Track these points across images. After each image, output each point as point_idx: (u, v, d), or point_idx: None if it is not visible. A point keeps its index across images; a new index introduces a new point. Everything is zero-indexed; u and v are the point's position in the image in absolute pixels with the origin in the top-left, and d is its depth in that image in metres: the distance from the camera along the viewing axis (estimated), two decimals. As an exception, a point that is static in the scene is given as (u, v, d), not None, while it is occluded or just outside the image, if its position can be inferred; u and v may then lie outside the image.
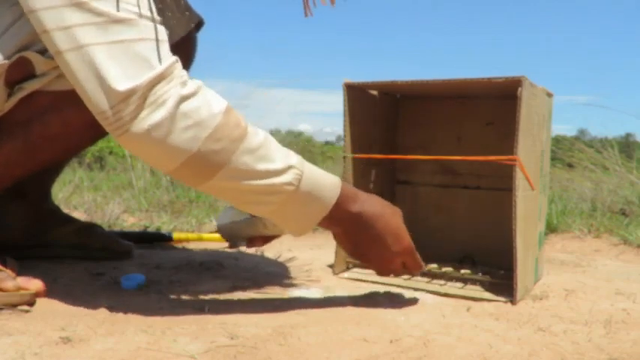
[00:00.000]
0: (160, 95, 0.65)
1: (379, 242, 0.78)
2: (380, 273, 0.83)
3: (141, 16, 0.67)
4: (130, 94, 0.64)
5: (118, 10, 0.65)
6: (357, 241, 0.78)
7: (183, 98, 0.66)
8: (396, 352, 0.63)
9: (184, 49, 0.84)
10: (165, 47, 0.69)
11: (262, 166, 0.69)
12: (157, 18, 0.69)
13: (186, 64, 0.88)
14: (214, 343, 0.63)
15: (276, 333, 0.67)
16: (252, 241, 0.86)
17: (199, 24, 0.87)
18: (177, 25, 0.81)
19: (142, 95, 0.65)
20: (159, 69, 0.66)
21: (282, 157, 0.71)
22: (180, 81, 0.67)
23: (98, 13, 0.65)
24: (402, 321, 0.74)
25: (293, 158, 0.72)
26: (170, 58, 0.68)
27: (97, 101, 0.65)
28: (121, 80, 0.64)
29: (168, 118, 0.65)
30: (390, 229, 0.78)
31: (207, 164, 0.68)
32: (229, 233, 0.87)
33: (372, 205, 0.77)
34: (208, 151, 0.67)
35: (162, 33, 0.69)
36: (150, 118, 0.65)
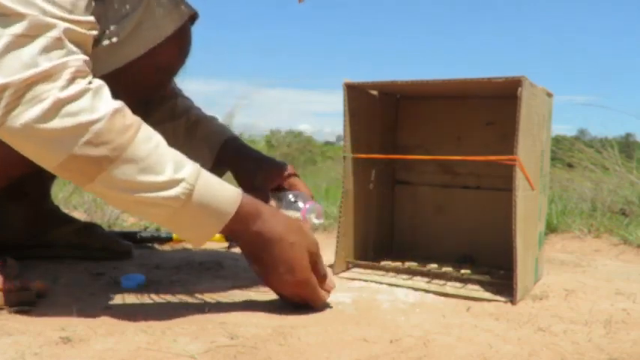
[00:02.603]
0: (39, 94, 0.65)
1: (273, 267, 0.75)
2: (279, 295, 0.79)
3: (46, 13, 0.66)
4: (1, 89, 0.64)
5: (19, 5, 0.65)
6: (255, 259, 0.76)
7: (63, 100, 0.65)
8: (396, 352, 0.63)
9: (177, 42, 0.84)
10: (63, 47, 0.67)
11: (145, 178, 0.67)
12: (76, 19, 0.68)
13: (181, 57, 0.88)
14: (214, 343, 0.63)
15: (276, 333, 0.67)
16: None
17: (193, 17, 0.87)
18: (169, 19, 0.81)
19: (15, 92, 0.64)
20: (42, 68, 0.65)
21: (172, 169, 0.68)
22: (62, 84, 0.66)
23: None
24: (402, 321, 0.74)
25: (185, 171, 0.69)
26: (60, 60, 0.66)
27: None
28: None
29: (42, 117, 0.64)
30: (285, 257, 0.74)
31: (85, 168, 0.67)
32: None
33: (272, 227, 0.74)
34: (85, 156, 0.66)
35: (74, 33, 0.68)
36: (24, 115, 0.64)
